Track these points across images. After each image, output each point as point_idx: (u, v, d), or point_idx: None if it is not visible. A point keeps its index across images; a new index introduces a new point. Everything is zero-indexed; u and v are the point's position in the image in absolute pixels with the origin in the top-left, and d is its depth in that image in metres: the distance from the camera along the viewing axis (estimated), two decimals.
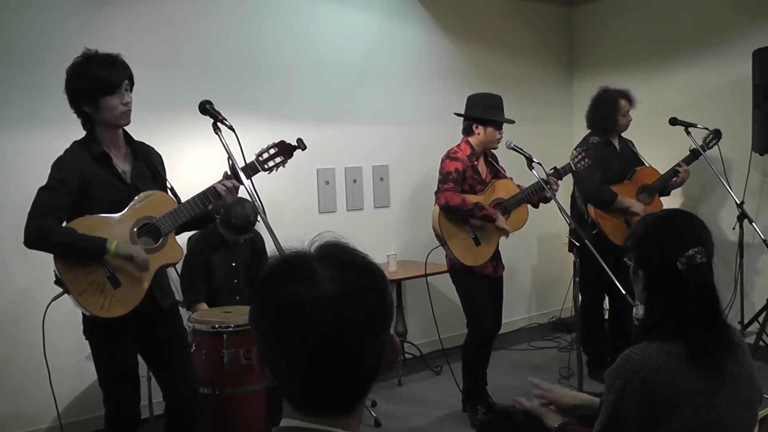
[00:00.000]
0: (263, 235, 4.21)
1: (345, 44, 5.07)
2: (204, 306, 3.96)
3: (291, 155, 3.04)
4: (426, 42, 5.51)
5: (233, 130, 2.78)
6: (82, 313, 2.80)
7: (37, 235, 2.65)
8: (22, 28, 3.85)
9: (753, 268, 5.11)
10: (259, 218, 3.90)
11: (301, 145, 3.05)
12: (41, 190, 2.72)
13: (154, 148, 3.07)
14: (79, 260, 2.70)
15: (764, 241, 4.17)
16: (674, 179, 4.59)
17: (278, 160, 3.01)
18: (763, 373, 1.92)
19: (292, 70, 4.82)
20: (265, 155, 3.00)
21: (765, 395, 1.88)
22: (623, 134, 4.66)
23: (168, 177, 3.06)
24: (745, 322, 4.73)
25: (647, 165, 4.69)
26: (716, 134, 4.57)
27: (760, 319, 4.82)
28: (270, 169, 3.01)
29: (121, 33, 4.06)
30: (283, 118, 4.70)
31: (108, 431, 2.91)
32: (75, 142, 2.84)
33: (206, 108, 2.84)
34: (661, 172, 4.63)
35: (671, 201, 5.56)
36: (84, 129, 2.84)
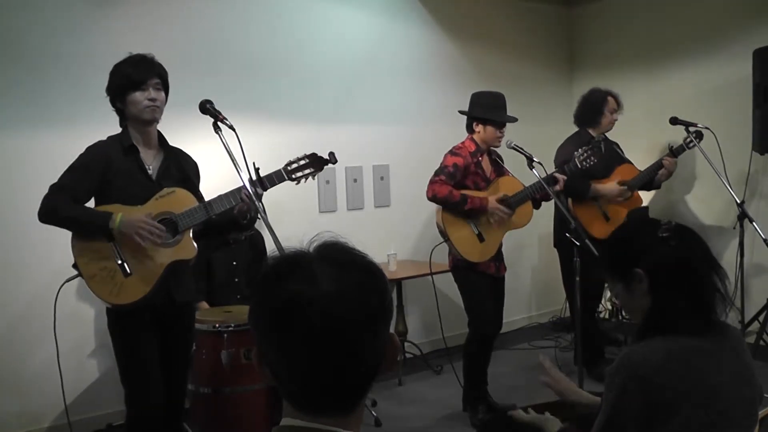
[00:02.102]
0: (263, 234, 4.21)
1: (345, 44, 5.07)
2: (205, 305, 3.96)
3: (321, 168, 3.07)
4: (426, 41, 5.50)
5: (233, 130, 2.78)
6: (106, 306, 2.85)
7: (47, 209, 2.75)
8: (19, 28, 3.83)
9: (753, 268, 5.11)
10: (259, 217, 3.89)
11: (332, 159, 3.06)
12: (65, 171, 2.82)
13: (191, 156, 3.11)
14: (86, 233, 2.76)
15: (765, 240, 4.17)
16: (661, 171, 4.66)
17: (307, 171, 3.03)
18: (763, 373, 1.92)
19: (293, 69, 4.82)
20: (294, 165, 3.02)
21: (765, 395, 1.87)
22: (609, 136, 4.75)
23: None
24: (746, 322, 4.73)
25: (628, 162, 4.77)
26: (697, 135, 4.59)
27: (760, 318, 4.82)
28: (297, 180, 3.03)
29: (122, 33, 4.06)
30: (283, 117, 4.70)
31: (128, 428, 2.91)
32: (110, 136, 2.93)
33: (206, 107, 2.86)
34: None
35: (674, 201, 5.56)
36: (120, 126, 2.93)
